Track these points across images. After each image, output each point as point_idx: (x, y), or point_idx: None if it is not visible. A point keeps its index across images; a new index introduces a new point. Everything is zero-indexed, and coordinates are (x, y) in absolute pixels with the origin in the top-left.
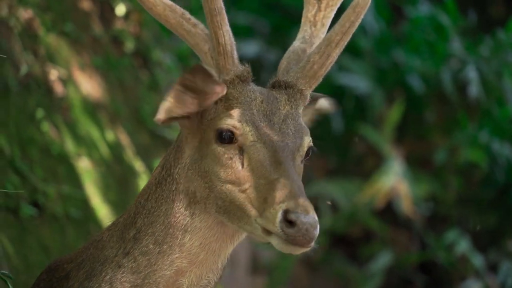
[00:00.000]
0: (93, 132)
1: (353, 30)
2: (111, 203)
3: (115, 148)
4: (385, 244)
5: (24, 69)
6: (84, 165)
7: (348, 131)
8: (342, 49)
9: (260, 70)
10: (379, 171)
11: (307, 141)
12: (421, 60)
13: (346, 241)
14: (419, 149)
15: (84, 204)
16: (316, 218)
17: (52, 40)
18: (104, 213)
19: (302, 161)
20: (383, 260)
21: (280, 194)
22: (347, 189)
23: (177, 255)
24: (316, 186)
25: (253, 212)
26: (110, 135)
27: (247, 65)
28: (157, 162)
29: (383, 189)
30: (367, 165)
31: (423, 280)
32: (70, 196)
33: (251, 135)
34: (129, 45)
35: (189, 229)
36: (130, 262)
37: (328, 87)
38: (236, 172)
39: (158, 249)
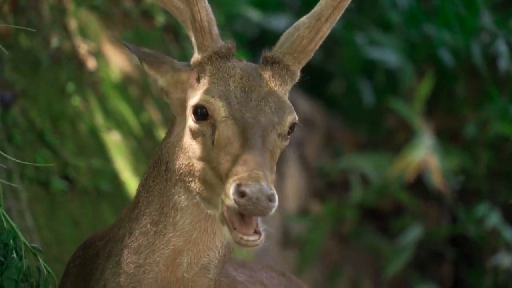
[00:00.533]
0: (124, 106)
1: (346, 4)
2: (141, 177)
3: (146, 122)
4: (416, 218)
5: (54, 43)
6: (114, 139)
7: (379, 105)
8: (333, 24)
9: None
10: (410, 144)
11: (289, 119)
12: (451, 34)
13: (377, 215)
14: (449, 122)
15: (115, 178)
16: (271, 190)
17: (82, 14)
18: (134, 186)
19: (283, 137)
20: (413, 233)
21: (238, 169)
22: (378, 162)
23: (171, 234)
24: (346, 159)
25: (220, 190)
26: (140, 109)
27: (229, 42)
28: None
29: (414, 162)
30: (397, 139)
31: (454, 254)
32: (101, 170)
33: (223, 110)
34: (160, 19)
35: (179, 208)
36: (133, 243)
37: (359, 61)
38: (207, 148)
39: (155, 229)
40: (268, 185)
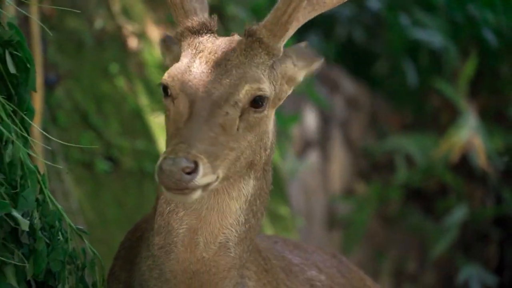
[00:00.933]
0: None
1: None
2: None
3: None
4: (460, 199)
5: (98, 24)
6: (158, 119)
7: (423, 85)
8: None
9: (335, 25)
10: (454, 125)
11: (245, 89)
12: (495, 14)
13: (422, 196)
14: (493, 103)
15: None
16: (189, 162)
17: None
18: None
19: (243, 110)
20: (458, 214)
21: (171, 142)
22: (423, 143)
23: (182, 212)
24: (391, 140)
25: None
26: None
27: (205, 17)
28: None
29: (458, 143)
30: (442, 119)
31: (498, 234)
32: (145, 151)
33: (176, 87)
34: None
35: None
36: (155, 224)
37: (403, 42)
38: (167, 123)
39: (168, 208)
40: (188, 158)
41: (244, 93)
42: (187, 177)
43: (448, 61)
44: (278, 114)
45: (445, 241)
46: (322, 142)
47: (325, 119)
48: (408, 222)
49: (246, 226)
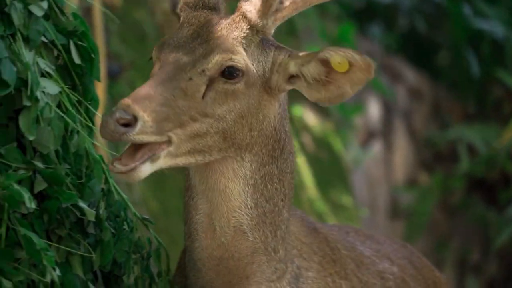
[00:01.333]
0: None
1: None
2: None
3: None
4: None
5: (160, 15)
6: None
7: (485, 75)
8: None
9: (397, 15)
10: None
11: (216, 59)
12: None
13: (485, 186)
14: None
15: None
16: (125, 114)
17: None
18: None
19: (212, 79)
20: None
21: None
22: (485, 133)
23: (196, 197)
24: (454, 130)
25: None
26: None
27: None
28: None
29: None
30: (505, 110)
31: None
32: None
33: (155, 55)
34: None
35: (188, 168)
36: (183, 214)
37: (465, 32)
38: None
39: (187, 195)
40: (126, 110)
41: (214, 63)
42: (122, 129)
43: (510, 52)
44: (341, 104)
45: (508, 231)
46: (386, 132)
47: (388, 109)
48: (471, 212)
49: (259, 210)
